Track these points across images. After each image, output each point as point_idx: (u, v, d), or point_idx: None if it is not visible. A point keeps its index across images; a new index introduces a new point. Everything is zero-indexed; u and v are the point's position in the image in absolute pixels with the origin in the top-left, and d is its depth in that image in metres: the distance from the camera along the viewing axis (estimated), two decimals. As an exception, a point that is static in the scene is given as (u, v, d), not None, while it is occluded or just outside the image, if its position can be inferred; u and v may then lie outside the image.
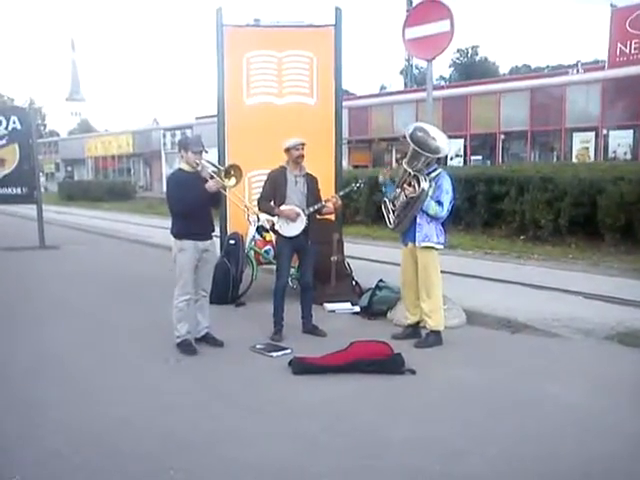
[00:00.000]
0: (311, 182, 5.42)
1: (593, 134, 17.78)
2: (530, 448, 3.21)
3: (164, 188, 6.22)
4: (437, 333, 5.11)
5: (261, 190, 5.56)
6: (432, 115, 6.42)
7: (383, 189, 5.42)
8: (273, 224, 5.43)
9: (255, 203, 5.76)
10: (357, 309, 6.28)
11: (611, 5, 20.27)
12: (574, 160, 17.45)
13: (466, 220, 11.76)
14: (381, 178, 5.37)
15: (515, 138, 20.52)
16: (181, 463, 3.06)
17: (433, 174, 5.04)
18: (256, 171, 6.72)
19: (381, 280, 6.38)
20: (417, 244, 5.06)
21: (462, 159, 20.45)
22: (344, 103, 8.17)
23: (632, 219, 9.21)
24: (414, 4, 14.65)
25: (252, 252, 6.98)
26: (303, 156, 5.29)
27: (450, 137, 6.14)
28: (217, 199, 5.26)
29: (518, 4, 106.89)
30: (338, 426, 3.51)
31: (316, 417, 3.64)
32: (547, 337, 5.29)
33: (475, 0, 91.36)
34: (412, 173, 4.92)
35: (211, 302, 5.45)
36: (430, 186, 4.92)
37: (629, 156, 16.77)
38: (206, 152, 5.05)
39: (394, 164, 21.74)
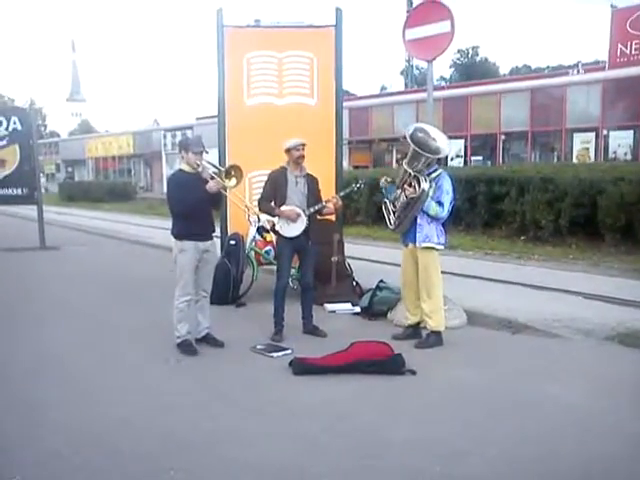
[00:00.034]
0: (312, 182, 5.42)
1: (593, 135, 17.78)
2: (530, 448, 3.21)
3: (164, 189, 6.23)
4: (437, 334, 5.11)
5: (261, 191, 5.56)
6: (432, 116, 6.42)
7: (383, 191, 5.42)
8: (274, 224, 5.43)
9: (255, 204, 5.76)
10: (357, 310, 6.28)
11: (611, 6, 20.30)
12: (574, 160, 17.45)
13: (466, 221, 11.76)
14: (382, 183, 5.37)
15: (515, 138, 20.53)
16: (181, 463, 3.06)
17: (433, 175, 5.04)
18: (256, 172, 6.72)
19: (381, 281, 6.38)
20: (418, 244, 5.06)
21: (462, 160, 20.46)
22: (344, 103, 8.17)
23: (632, 219, 9.21)
24: (414, 5, 14.67)
25: (253, 252, 6.98)
26: (304, 157, 5.29)
27: (450, 138, 6.16)
28: (218, 200, 5.26)
29: (518, 4, 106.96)
30: (338, 426, 3.51)
31: (316, 417, 3.64)
32: (547, 337, 5.29)
33: (475, 1, 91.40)
34: (412, 174, 4.92)
35: (212, 302, 5.45)
36: (430, 187, 4.91)
37: (629, 156, 16.77)
38: (207, 153, 5.05)
39: (394, 165, 21.75)
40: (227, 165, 5.45)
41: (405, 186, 5.01)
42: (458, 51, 51.51)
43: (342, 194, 5.78)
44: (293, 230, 5.29)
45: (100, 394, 4.08)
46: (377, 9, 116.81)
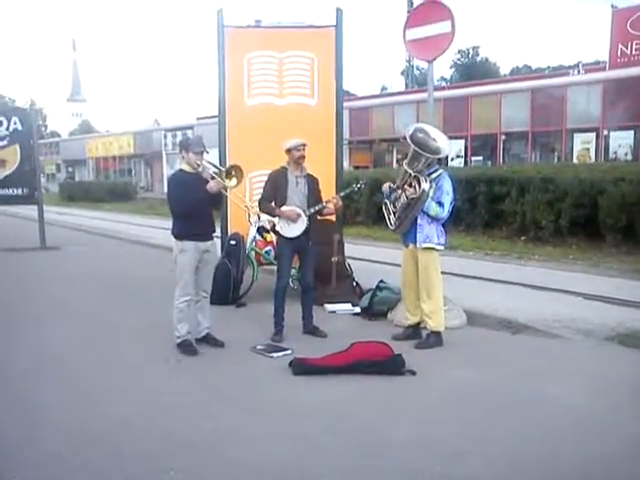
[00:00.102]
0: (312, 183, 5.42)
1: (594, 135, 17.78)
2: (530, 449, 3.21)
3: (165, 189, 6.22)
4: (438, 334, 5.11)
5: (262, 191, 5.56)
6: (433, 116, 6.42)
7: (384, 193, 5.41)
8: (274, 225, 5.43)
9: (256, 204, 5.77)
10: (358, 310, 6.28)
11: (612, 6, 20.29)
12: (575, 161, 17.44)
13: (467, 221, 11.75)
14: (385, 187, 5.36)
15: (516, 139, 20.54)
16: (181, 463, 3.06)
17: (434, 175, 5.04)
18: (257, 172, 6.71)
19: (382, 281, 6.38)
20: (418, 245, 5.06)
21: (463, 160, 20.46)
22: (345, 104, 8.16)
23: (633, 220, 9.21)
24: (415, 5, 14.67)
25: (253, 253, 6.98)
26: (304, 157, 5.29)
27: (451, 138, 6.16)
28: (218, 200, 5.26)
29: (519, 5, 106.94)
30: (338, 427, 3.51)
31: (316, 418, 3.64)
32: (548, 338, 5.29)
33: (476, 1, 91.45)
34: (413, 174, 4.92)
35: (212, 303, 5.46)
36: (431, 187, 4.91)
37: (630, 157, 16.77)
38: (207, 153, 5.05)
39: (395, 165, 21.76)
40: (227, 165, 5.45)
41: (405, 186, 5.01)
42: (459, 51, 51.60)
43: (342, 194, 5.78)
44: (293, 230, 5.29)
45: (100, 394, 4.08)
46: (377, 9, 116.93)
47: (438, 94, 17.38)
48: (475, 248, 10.45)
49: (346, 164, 17.61)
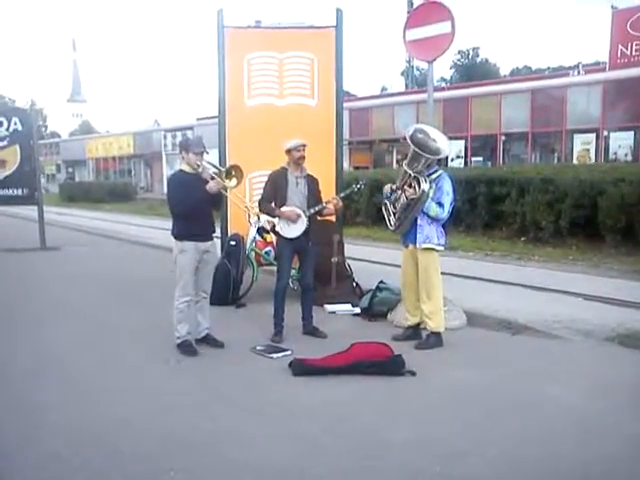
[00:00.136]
0: (312, 183, 5.42)
1: (594, 136, 17.79)
2: (530, 449, 3.21)
3: (165, 189, 6.22)
4: (437, 334, 5.10)
5: (262, 191, 5.56)
6: (433, 116, 6.42)
7: (384, 193, 5.41)
8: (274, 225, 5.43)
9: (256, 204, 5.77)
10: (357, 310, 6.28)
11: (612, 7, 20.33)
12: (575, 161, 17.45)
13: (467, 222, 11.75)
14: (386, 189, 5.36)
15: (516, 139, 20.55)
16: (181, 464, 3.06)
17: (434, 175, 5.04)
18: (257, 172, 6.71)
19: (381, 281, 6.38)
20: (418, 245, 5.06)
21: (463, 160, 20.46)
22: (345, 104, 8.17)
23: (633, 221, 9.20)
24: (415, 6, 14.68)
25: (253, 253, 6.98)
26: (304, 157, 5.29)
27: (451, 138, 6.16)
28: (218, 200, 5.26)
29: (519, 5, 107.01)
30: (338, 427, 3.51)
31: (316, 418, 3.64)
32: (548, 339, 5.29)
33: (476, 2, 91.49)
34: (412, 174, 4.92)
35: (211, 303, 5.45)
36: (431, 187, 4.91)
37: (630, 157, 16.77)
38: (207, 153, 5.05)
39: (395, 165, 21.76)
40: (227, 165, 5.45)
41: (405, 187, 5.01)
42: (458, 52, 51.65)
43: (342, 195, 5.79)
44: (293, 231, 5.29)
45: (100, 395, 4.08)
46: (377, 10, 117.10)
47: (438, 95, 17.40)
48: (475, 249, 10.45)
49: (346, 165, 17.61)
